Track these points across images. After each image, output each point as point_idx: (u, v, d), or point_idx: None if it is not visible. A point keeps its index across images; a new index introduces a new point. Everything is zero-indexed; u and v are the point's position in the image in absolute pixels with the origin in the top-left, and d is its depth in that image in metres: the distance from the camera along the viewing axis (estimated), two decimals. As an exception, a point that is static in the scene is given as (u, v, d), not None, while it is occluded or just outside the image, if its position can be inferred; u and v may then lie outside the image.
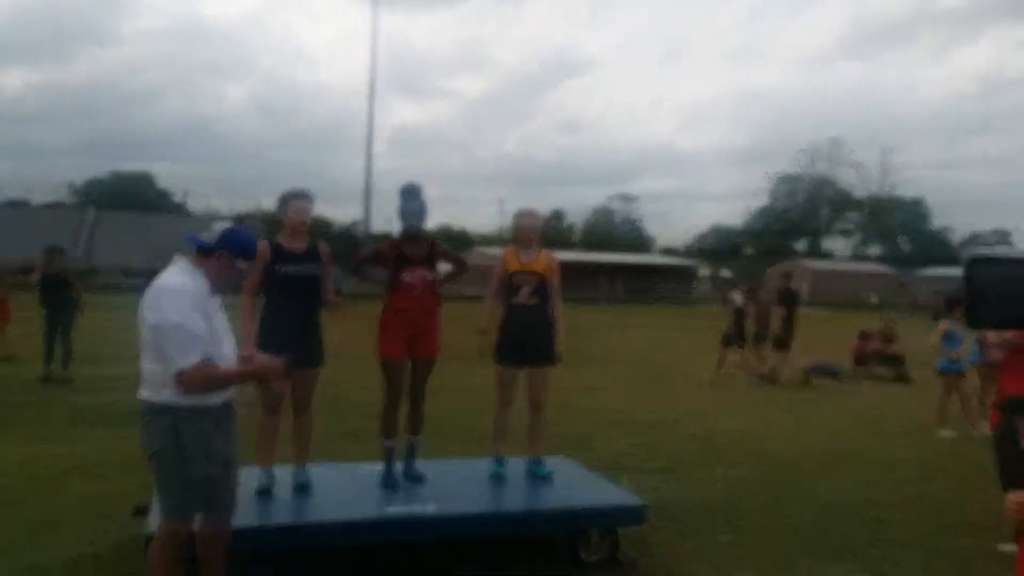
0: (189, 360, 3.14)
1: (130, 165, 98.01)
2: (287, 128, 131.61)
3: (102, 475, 6.05)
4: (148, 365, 3.26)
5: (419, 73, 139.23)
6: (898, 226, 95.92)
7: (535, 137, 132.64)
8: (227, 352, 3.41)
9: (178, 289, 3.25)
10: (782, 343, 13.23)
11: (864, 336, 15.13)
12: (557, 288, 5.34)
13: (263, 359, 3.56)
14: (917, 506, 6.07)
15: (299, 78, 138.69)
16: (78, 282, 11.93)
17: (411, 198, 5.02)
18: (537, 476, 5.16)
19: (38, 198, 60.94)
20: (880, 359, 14.56)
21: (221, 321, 3.44)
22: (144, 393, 3.30)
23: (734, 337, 13.26)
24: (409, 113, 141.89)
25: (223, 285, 3.45)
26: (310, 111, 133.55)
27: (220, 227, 3.45)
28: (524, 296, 5.21)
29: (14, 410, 8.47)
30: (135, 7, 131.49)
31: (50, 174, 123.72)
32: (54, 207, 62.86)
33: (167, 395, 3.23)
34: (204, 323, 3.24)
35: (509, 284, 5.28)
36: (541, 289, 5.24)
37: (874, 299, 42.15)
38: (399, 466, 5.12)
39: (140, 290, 3.33)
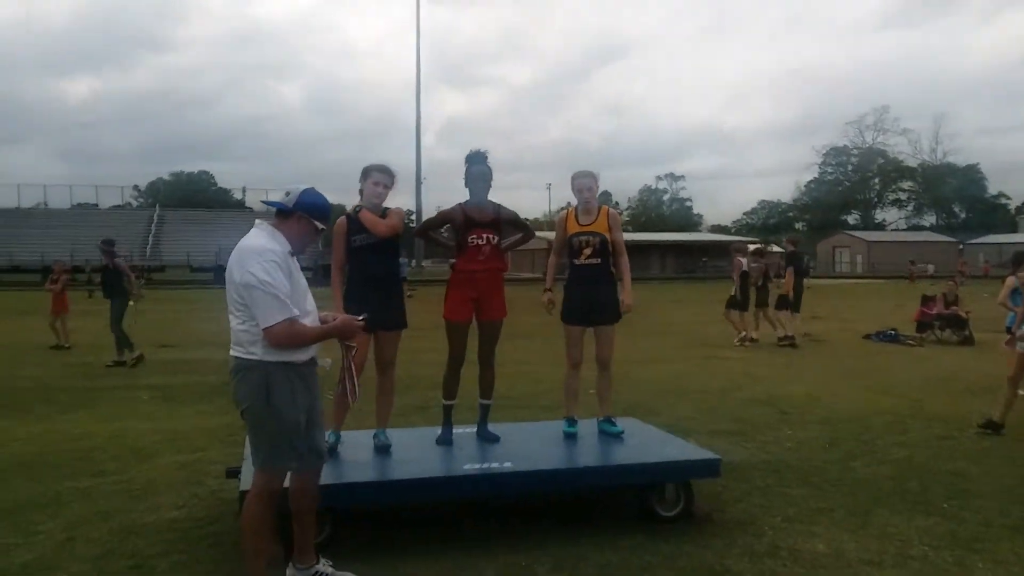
0: (276, 316, 3.27)
1: (189, 166, 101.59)
2: (339, 124, 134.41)
3: (189, 446, 6.32)
4: (237, 324, 3.40)
5: (465, 64, 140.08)
6: (952, 193, 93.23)
7: (581, 122, 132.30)
8: (309, 310, 3.55)
9: (262, 249, 3.37)
10: (786, 304, 13.59)
11: (927, 301, 14.87)
12: (620, 244, 5.40)
13: (344, 317, 3.69)
14: (992, 459, 6.00)
15: (349, 75, 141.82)
16: (130, 273, 12.57)
17: (477, 163, 5.11)
18: (608, 435, 5.24)
19: (105, 200, 62.77)
20: (944, 322, 14.29)
21: (302, 281, 3.58)
22: (234, 351, 3.44)
23: (738, 301, 13.68)
24: (458, 103, 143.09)
25: (302, 245, 3.58)
26: (361, 107, 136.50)
27: (296, 190, 3.55)
28: (585, 256, 5.29)
29: (98, 393, 8.82)
30: (189, 14, 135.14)
31: (115, 177, 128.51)
32: (121, 208, 64.75)
33: (257, 351, 3.36)
34: (288, 282, 3.37)
35: (570, 245, 5.35)
36: (603, 248, 5.30)
37: (917, 271, 41.16)
38: (471, 429, 5.26)
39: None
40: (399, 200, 5.09)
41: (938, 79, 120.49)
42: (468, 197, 5.14)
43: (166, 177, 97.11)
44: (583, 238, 5.31)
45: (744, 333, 13.75)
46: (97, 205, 61.17)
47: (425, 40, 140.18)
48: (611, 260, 5.38)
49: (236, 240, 3.54)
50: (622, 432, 5.25)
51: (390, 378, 5.09)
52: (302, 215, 3.52)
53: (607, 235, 5.31)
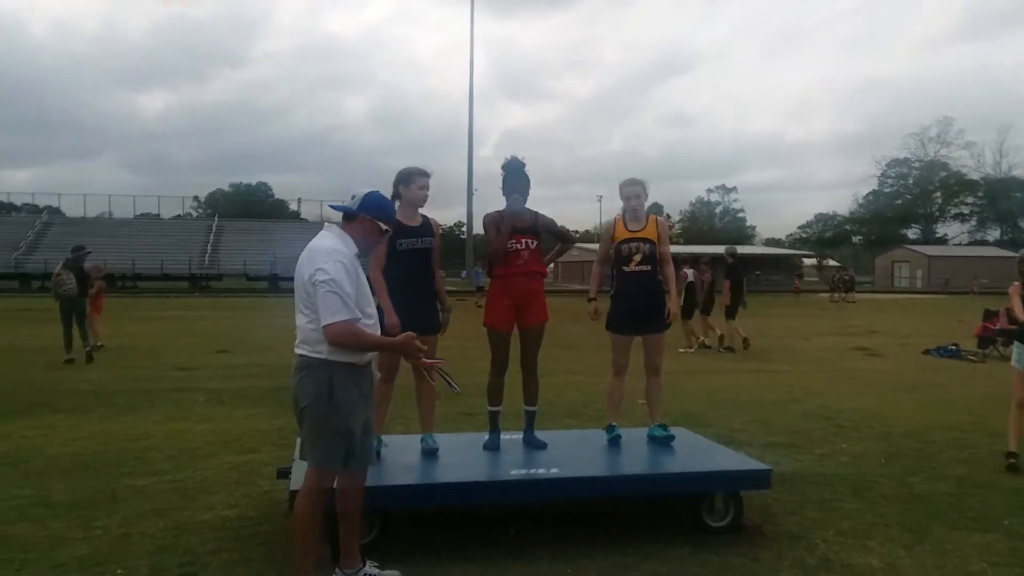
0: (339, 316, 3.33)
1: (255, 178, 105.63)
2: (400, 135, 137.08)
3: (242, 447, 6.44)
4: (304, 322, 3.47)
5: (528, 77, 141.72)
6: (1017, 208, 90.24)
7: (640, 134, 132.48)
8: (372, 315, 3.62)
9: (332, 249, 3.46)
10: (728, 312, 14.67)
11: (989, 316, 14.41)
12: (667, 254, 5.36)
13: (405, 336, 3.68)
14: (1058, 478, 5.78)
15: (413, 87, 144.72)
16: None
17: (516, 172, 5.12)
18: (658, 441, 5.18)
19: (167, 211, 64.70)
20: (1007, 337, 13.80)
21: (366, 285, 3.66)
22: (300, 348, 3.51)
23: (686, 310, 14.48)
24: (518, 115, 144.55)
25: (367, 247, 3.69)
26: (423, 118, 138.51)
27: (360, 193, 3.62)
28: (635, 263, 5.25)
29: (155, 395, 9.04)
30: (264, 30, 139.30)
31: (183, 188, 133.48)
32: (182, 218, 66.59)
33: (323, 350, 3.43)
34: (353, 283, 3.45)
35: (618, 252, 5.32)
36: (651, 255, 5.26)
37: (978, 285, 39.99)
38: (517, 435, 5.25)
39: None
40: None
41: (1004, 92, 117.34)
42: (506, 205, 5.15)
43: (225, 188, 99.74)
44: (632, 244, 5.28)
45: (701, 339, 14.73)
46: (159, 215, 62.94)
47: (490, 53, 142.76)
48: (659, 268, 5.34)
49: (291, 250, 3.66)
50: (673, 437, 5.19)
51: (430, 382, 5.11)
52: (366, 217, 3.60)
53: (656, 242, 5.27)
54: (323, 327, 3.35)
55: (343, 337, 3.37)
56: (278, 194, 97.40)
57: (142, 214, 62.22)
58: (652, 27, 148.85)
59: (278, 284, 49.51)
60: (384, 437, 4.98)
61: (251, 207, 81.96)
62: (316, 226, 61.13)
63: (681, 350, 14.09)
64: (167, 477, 5.58)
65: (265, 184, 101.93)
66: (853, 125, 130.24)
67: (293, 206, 78.81)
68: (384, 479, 4.34)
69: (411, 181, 4.93)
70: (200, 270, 50.81)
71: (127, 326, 19.69)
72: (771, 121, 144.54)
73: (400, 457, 4.89)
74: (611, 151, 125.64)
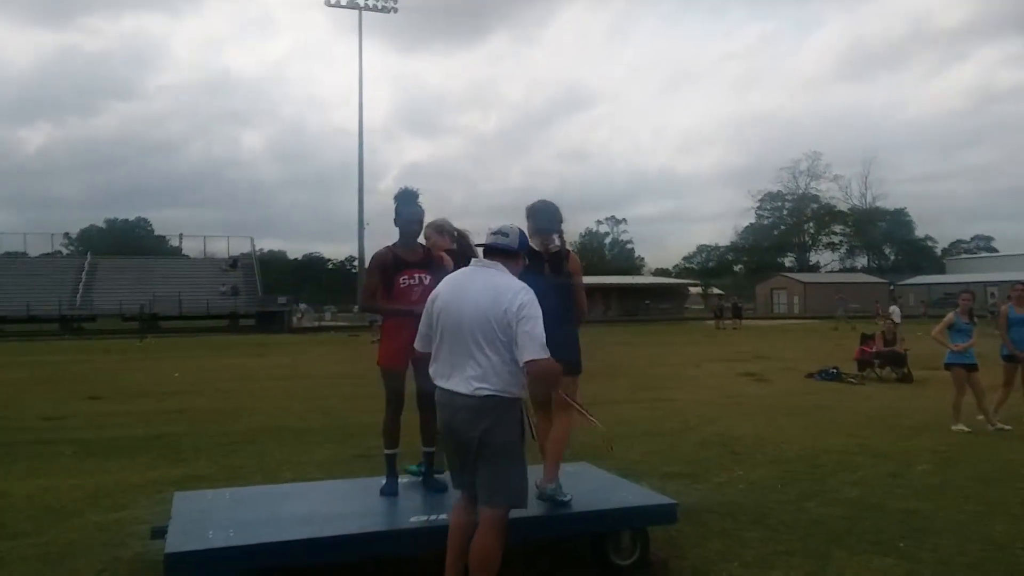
0: (544, 353, 3.38)
1: (139, 214, 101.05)
2: (299, 170, 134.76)
3: (113, 504, 5.91)
4: (493, 361, 3.43)
5: (432, 112, 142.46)
6: (882, 236, 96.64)
7: (539, 169, 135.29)
8: None
9: (523, 286, 3.52)
10: None
11: (866, 339, 15.12)
12: None
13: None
14: (943, 496, 5.97)
15: (314, 122, 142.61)
16: None
17: (408, 203, 4.94)
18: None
19: (35, 248, 60.62)
20: (883, 360, 14.53)
21: None
22: (485, 388, 3.43)
23: None
24: (421, 150, 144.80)
25: None
26: (322, 153, 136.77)
27: (511, 229, 3.67)
28: None
29: (17, 448, 8.27)
30: (161, 63, 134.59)
31: (57, 225, 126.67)
32: (51, 256, 62.59)
33: (515, 389, 3.49)
34: None
35: None
36: None
37: (841, 311, 42.90)
38: (411, 478, 5.03)
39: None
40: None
41: (871, 129, 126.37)
42: (400, 238, 4.97)
43: (100, 224, 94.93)
44: None
45: None
46: (26, 253, 59.06)
47: (395, 89, 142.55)
48: None
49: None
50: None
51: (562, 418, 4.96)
52: (520, 254, 3.70)
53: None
54: (529, 363, 3.35)
55: (545, 373, 3.43)
56: (159, 230, 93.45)
57: (6, 252, 58.25)
58: (554, 66, 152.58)
59: (158, 324, 47.28)
60: (270, 487, 4.65)
61: (128, 244, 78.25)
62: (199, 262, 58.99)
63: None
64: (28, 540, 5.03)
65: (145, 220, 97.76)
66: (738, 159, 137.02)
67: (174, 242, 75.74)
68: (271, 535, 4.01)
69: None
70: (71, 311, 47.83)
71: (-13, 373, 18.24)
72: (662, 156, 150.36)
73: (288, 508, 4.57)
74: (510, 186, 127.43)
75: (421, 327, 3.80)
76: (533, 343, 3.36)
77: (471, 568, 3.51)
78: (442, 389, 3.59)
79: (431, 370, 3.68)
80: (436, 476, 4.99)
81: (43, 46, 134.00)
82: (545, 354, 3.36)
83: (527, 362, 3.36)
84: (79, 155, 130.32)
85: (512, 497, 3.54)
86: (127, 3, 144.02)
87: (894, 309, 29.51)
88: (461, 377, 3.48)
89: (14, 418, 10.63)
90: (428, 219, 5.13)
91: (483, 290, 3.49)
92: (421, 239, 5.12)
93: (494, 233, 3.66)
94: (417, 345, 3.84)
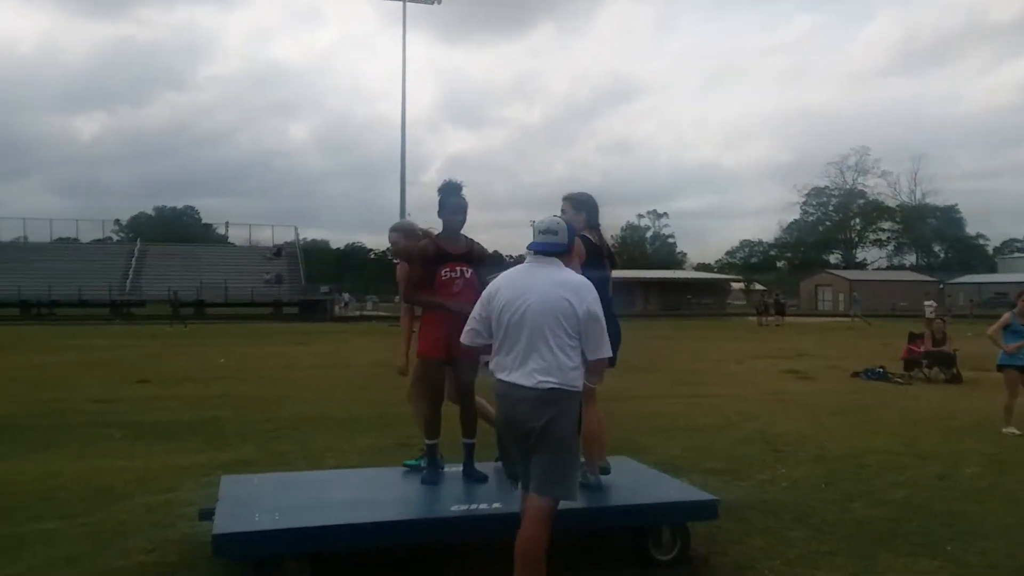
0: (607, 352, 3.57)
1: (186, 202, 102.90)
2: (342, 161, 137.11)
3: (161, 486, 6.05)
4: (560, 355, 3.50)
5: (476, 104, 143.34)
6: (932, 233, 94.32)
7: (581, 161, 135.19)
8: None
9: (590, 285, 3.66)
10: None
11: (914, 339, 14.83)
12: None
13: None
14: (992, 499, 5.85)
15: (359, 113, 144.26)
16: None
17: (452, 195, 4.93)
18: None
19: (87, 235, 62.23)
20: (932, 360, 14.22)
21: None
22: (550, 381, 3.48)
23: None
24: (464, 141, 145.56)
25: None
26: (366, 144, 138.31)
27: (560, 227, 3.73)
28: None
29: (68, 431, 8.50)
30: (211, 54, 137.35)
31: (109, 212, 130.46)
32: (102, 242, 64.17)
33: (579, 383, 3.56)
34: None
35: None
36: None
37: (856, 309, 42.14)
38: (456, 468, 5.05)
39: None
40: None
41: (922, 125, 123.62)
42: (443, 229, 4.99)
43: (149, 212, 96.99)
44: None
45: None
46: (78, 239, 60.58)
47: (440, 80, 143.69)
48: None
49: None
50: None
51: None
52: (573, 248, 3.91)
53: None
54: (595, 361, 3.55)
55: (602, 370, 3.65)
56: (206, 218, 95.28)
57: (60, 238, 59.78)
58: (600, 58, 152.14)
59: (204, 310, 48.15)
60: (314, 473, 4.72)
61: (176, 231, 79.85)
62: (244, 250, 59.89)
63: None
64: (79, 520, 5.17)
65: (192, 208, 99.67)
66: (783, 153, 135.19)
67: (220, 230, 77.12)
68: (316, 519, 4.08)
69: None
70: (121, 296, 48.99)
71: (40, 356, 18.77)
72: (707, 149, 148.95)
73: (333, 494, 4.64)
74: (552, 178, 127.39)
75: (472, 323, 3.79)
76: (603, 341, 3.53)
77: (517, 558, 3.51)
78: (504, 381, 3.61)
79: (492, 363, 3.70)
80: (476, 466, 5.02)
81: (99, 37, 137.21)
82: (609, 352, 3.57)
83: (595, 360, 3.54)
84: (131, 144, 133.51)
85: (565, 490, 3.57)
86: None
87: (929, 304, 29.27)
88: (525, 370, 3.51)
89: (68, 400, 10.96)
90: (470, 211, 5.07)
91: (549, 286, 3.55)
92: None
93: (543, 232, 3.68)
94: (465, 340, 3.84)
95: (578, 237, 4.78)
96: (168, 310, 40.09)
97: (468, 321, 3.84)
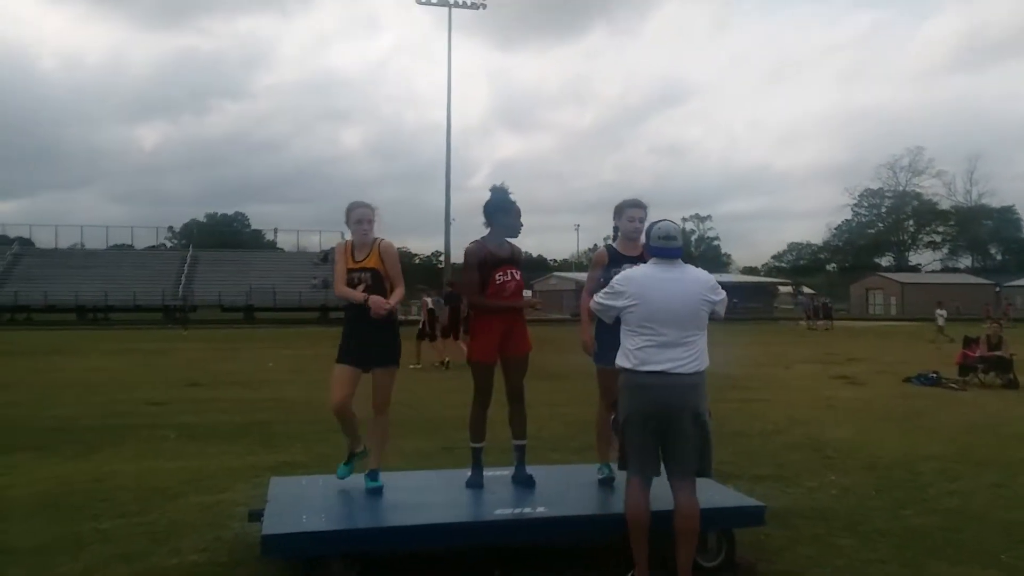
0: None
1: (239, 208, 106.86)
2: (394, 167, 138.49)
3: (214, 487, 6.18)
4: (701, 342, 4.02)
5: (527, 108, 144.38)
6: (988, 235, 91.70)
7: (632, 164, 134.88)
8: None
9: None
10: (445, 334, 16.76)
11: (969, 343, 14.46)
12: None
13: None
14: (1051, 509, 5.68)
15: (411, 119, 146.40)
16: None
17: (505, 198, 5.00)
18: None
19: (141, 241, 63.86)
20: (987, 365, 13.85)
21: None
22: (698, 366, 3.98)
23: (425, 332, 17.04)
24: (514, 146, 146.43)
25: None
26: (418, 150, 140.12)
27: (676, 231, 4.11)
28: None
29: (125, 431, 8.73)
30: (269, 63, 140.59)
31: (163, 219, 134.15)
32: (156, 249, 65.76)
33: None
34: None
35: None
36: None
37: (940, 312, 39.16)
38: (499, 471, 5.08)
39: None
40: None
41: (981, 123, 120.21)
42: (489, 234, 5.02)
43: (201, 219, 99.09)
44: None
45: (446, 359, 16.18)
46: (132, 246, 62.16)
47: (491, 85, 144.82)
48: None
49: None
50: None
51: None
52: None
53: None
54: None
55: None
56: (255, 224, 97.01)
57: (115, 245, 61.43)
58: (653, 60, 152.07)
59: (253, 315, 49.00)
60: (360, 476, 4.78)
61: (226, 237, 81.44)
62: (292, 255, 60.74)
63: (436, 364, 16.14)
64: (135, 519, 5.32)
65: (242, 214, 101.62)
66: (837, 154, 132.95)
67: (269, 236, 78.39)
68: (363, 521, 4.15)
69: (622, 214, 5.03)
70: (174, 301, 50.14)
71: (98, 359, 19.31)
72: (759, 151, 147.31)
73: (379, 497, 4.70)
74: (601, 181, 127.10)
75: (607, 308, 4.15)
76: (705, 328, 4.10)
77: (685, 538, 3.93)
78: (653, 372, 3.90)
79: (639, 357, 3.95)
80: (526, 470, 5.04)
81: (163, 47, 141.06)
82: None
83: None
84: (188, 152, 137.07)
85: (706, 468, 4.02)
86: (242, 5, 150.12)
87: (941, 313, 28.02)
88: (676, 360, 3.91)
89: (125, 401, 11.28)
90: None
91: (689, 282, 4.05)
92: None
93: (665, 238, 4.05)
94: (606, 317, 4.23)
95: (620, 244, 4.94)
96: (219, 315, 40.83)
97: (601, 301, 4.20)
